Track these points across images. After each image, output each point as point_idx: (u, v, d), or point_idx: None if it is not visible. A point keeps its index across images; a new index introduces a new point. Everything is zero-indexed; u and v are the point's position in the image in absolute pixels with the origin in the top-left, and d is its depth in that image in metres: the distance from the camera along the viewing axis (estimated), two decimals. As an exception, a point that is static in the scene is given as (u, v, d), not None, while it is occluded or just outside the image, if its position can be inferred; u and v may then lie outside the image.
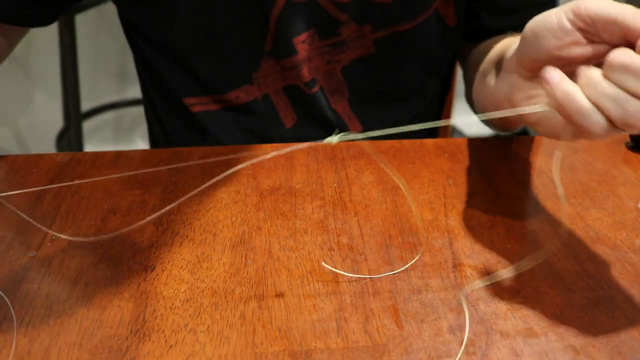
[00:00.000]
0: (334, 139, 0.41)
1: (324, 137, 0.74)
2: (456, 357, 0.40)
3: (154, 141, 0.82)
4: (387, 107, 0.75)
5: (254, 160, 0.47)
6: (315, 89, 0.70)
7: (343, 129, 0.74)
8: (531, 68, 0.46)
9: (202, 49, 0.69)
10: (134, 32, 0.73)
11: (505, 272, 0.46)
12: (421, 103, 0.78)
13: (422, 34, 0.70)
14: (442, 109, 0.85)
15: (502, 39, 0.65)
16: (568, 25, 0.42)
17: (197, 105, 0.72)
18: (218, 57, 0.69)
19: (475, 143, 0.64)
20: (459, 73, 1.18)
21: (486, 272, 0.47)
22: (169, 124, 0.77)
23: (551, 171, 0.59)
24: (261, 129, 0.73)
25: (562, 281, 0.46)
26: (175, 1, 0.64)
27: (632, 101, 0.38)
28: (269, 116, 0.72)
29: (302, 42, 0.67)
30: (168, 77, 0.72)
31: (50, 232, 0.50)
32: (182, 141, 0.74)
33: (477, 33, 0.73)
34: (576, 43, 0.42)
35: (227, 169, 0.59)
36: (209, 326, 0.42)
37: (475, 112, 0.72)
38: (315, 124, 0.73)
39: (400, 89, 0.74)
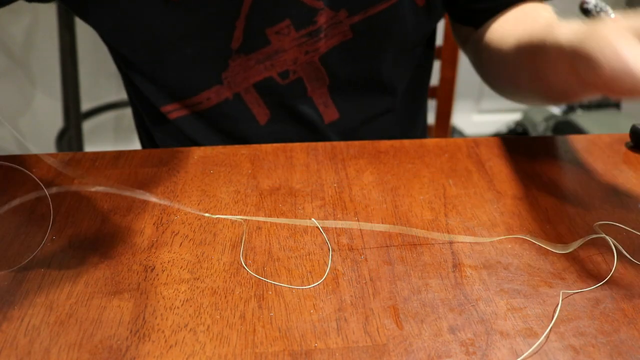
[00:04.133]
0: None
1: (299, 131, 0.74)
2: (457, 357, 0.40)
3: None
4: (367, 94, 0.75)
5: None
6: (291, 79, 0.70)
7: (317, 121, 0.74)
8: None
9: (163, 57, 0.68)
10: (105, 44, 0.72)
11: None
12: (402, 91, 0.77)
13: (397, 14, 0.69)
14: (424, 98, 0.85)
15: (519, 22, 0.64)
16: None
17: (173, 112, 0.72)
18: (183, 62, 0.68)
19: (475, 143, 0.64)
20: (458, 74, 1.18)
21: (486, 272, 0.47)
22: (155, 134, 0.77)
23: (550, 171, 0.59)
24: (236, 128, 0.73)
25: (562, 281, 0.46)
26: (127, 11, 0.64)
27: None
28: (242, 115, 0.72)
29: (275, 33, 0.67)
30: (142, 87, 0.72)
31: (50, 232, 0.50)
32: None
33: (476, 14, 0.72)
34: None
35: (227, 169, 0.59)
36: (209, 326, 0.42)
37: (496, 83, 0.71)
38: (289, 118, 0.73)
39: (381, 74, 0.74)
